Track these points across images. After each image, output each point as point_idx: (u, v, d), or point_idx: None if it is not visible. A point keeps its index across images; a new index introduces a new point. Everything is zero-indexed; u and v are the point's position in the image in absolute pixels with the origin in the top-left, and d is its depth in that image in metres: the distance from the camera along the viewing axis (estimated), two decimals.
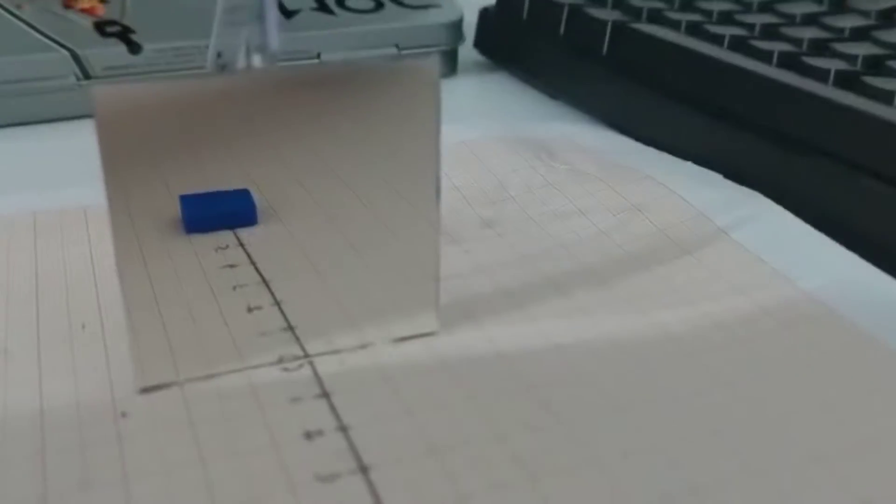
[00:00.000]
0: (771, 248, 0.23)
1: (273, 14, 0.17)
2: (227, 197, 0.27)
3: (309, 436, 0.17)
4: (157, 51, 0.36)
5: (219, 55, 0.20)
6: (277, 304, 0.22)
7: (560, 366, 0.19)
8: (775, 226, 0.24)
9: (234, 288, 0.22)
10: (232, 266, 0.24)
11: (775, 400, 0.18)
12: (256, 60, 0.17)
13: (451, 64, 0.41)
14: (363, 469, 0.16)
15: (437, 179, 0.19)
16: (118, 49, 0.35)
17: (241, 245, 0.25)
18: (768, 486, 0.15)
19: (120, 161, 0.18)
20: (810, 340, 0.19)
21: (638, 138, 0.32)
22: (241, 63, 0.18)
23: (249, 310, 0.21)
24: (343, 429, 0.17)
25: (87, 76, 0.35)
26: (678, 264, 0.23)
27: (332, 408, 0.18)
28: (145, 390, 0.18)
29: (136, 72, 0.36)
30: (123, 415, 0.17)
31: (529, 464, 0.16)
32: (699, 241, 0.24)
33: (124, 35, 0.36)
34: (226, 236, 0.25)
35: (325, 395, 0.18)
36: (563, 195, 0.27)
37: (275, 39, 0.17)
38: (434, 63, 0.18)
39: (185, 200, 0.26)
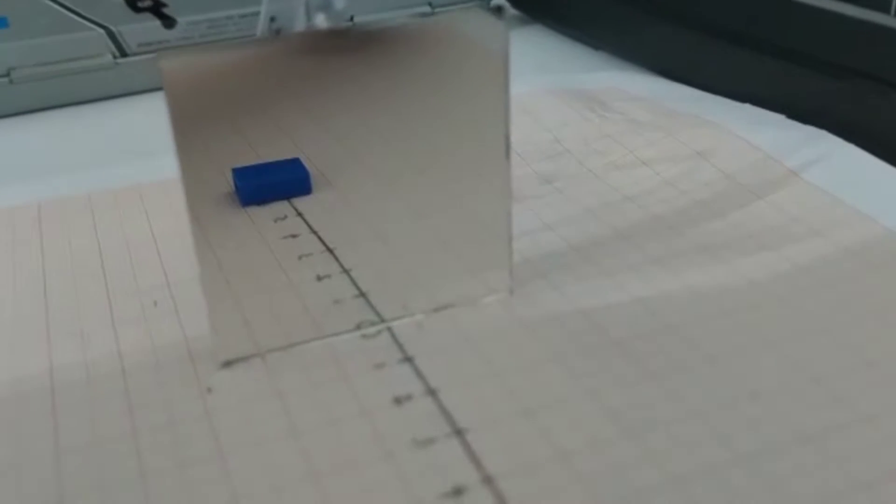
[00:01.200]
0: (846, 187, 0.22)
1: None
2: (280, 167, 0.26)
3: (398, 401, 0.17)
4: (191, 23, 0.35)
5: (272, 19, 0.20)
6: (346, 272, 0.21)
7: (643, 319, 0.18)
8: (847, 164, 0.23)
9: (300, 258, 0.22)
10: (294, 236, 0.23)
11: (871, 343, 0.17)
12: (320, 20, 0.17)
13: None
14: (458, 432, 0.16)
15: (507, 137, 0.19)
16: (152, 24, 0.35)
17: (300, 215, 0.25)
18: (876, 432, 0.15)
19: (189, 133, 0.18)
20: None
21: (690, 84, 0.31)
22: (299, 26, 0.18)
23: (319, 279, 0.21)
24: (432, 392, 0.17)
25: (123, 54, 0.35)
26: (751, 210, 0.22)
27: (418, 372, 0.17)
28: (227, 364, 0.18)
29: (172, 46, 0.35)
30: (209, 390, 0.17)
31: (625, 419, 0.16)
32: (770, 184, 0.23)
33: (157, 9, 0.35)
34: (282, 207, 0.25)
35: (408, 359, 0.18)
36: (621, 146, 0.26)
37: None
38: (503, 15, 0.17)
39: (239, 173, 0.26)
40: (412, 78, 0.21)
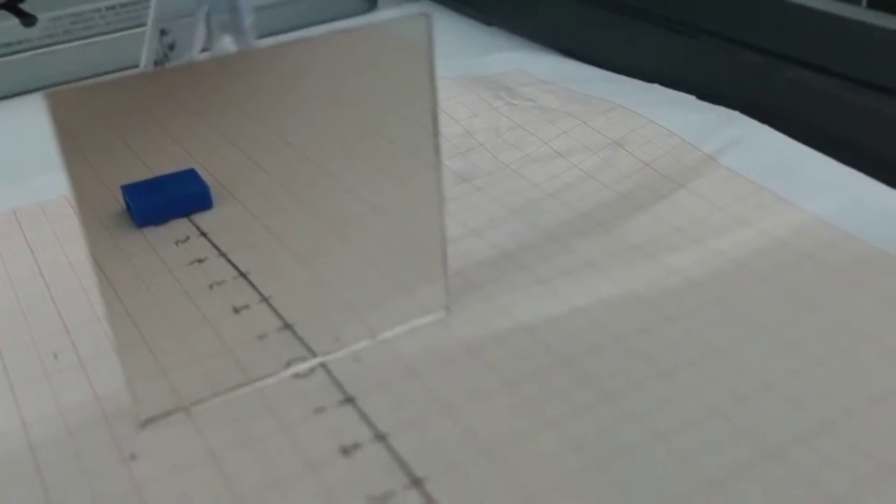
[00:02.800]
0: (765, 172, 0.22)
1: None
2: (174, 180, 0.24)
3: (346, 451, 0.15)
4: (53, 19, 0.32)
5: (163, 32, 0.18)
6: (265, 300, 0.20)
7: (587, 331, 0.18)
8: (763, 146, 0.23)
9: (212, 287, 0.20)
10: (200, 261, 0.22)
11: (816, 340, 0.17)
12: (227, 42, 0.15)
13: None
14: (417, 482, 0.15)
15: (437, 143, 0.18)
16: (10, 23, 0.31)
17: (203, 234, 0.23)
18: (838, 435, 0.15)
19: (78, 162, 0.16)
20: (836, 269, 0.19)
21: (593, 63, 0.31)
22: (198, 45, 0.16)
23: (236, 310, 0.20)
24: (381, 438, 0.16)
25: None
26: (674, 200, 0.22)
27: (362, 414, 0.16)
28: (148, 422, 0.16)
29: (35, 45, 0.32)
30: (133, 457, 0.16)
31: (591, 450, 0.15)
32: (690, 171, 0.23)
33: (13, 5, 0.32)
34: (182, 225, 0.23)
35: (350, 399, 0.17)
36: (534, 136, 0.26)
37: (249, 12, 0.15)
38: (425, 20, 0.16)
39: (129, 190, 0.23)
40: (324, 83, 0.19)
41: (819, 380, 0.16)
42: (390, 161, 0.19)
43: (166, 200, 0.23)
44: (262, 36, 0.18)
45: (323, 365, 0.18)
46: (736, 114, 0.25)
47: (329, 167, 0.22)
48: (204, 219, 0.23)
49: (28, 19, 0.32)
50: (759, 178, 0.22)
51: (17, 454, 0.16)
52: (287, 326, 0.19)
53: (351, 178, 0.20)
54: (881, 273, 0.19)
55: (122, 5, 0.33)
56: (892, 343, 0.17)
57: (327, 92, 0.19)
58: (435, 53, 0.17)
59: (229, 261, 0.21)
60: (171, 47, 0.17)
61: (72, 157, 0.15)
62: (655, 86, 0.28)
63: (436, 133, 0.17)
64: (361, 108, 0.19)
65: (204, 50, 0.17)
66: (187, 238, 0.23)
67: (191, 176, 0.24)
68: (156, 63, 0.18)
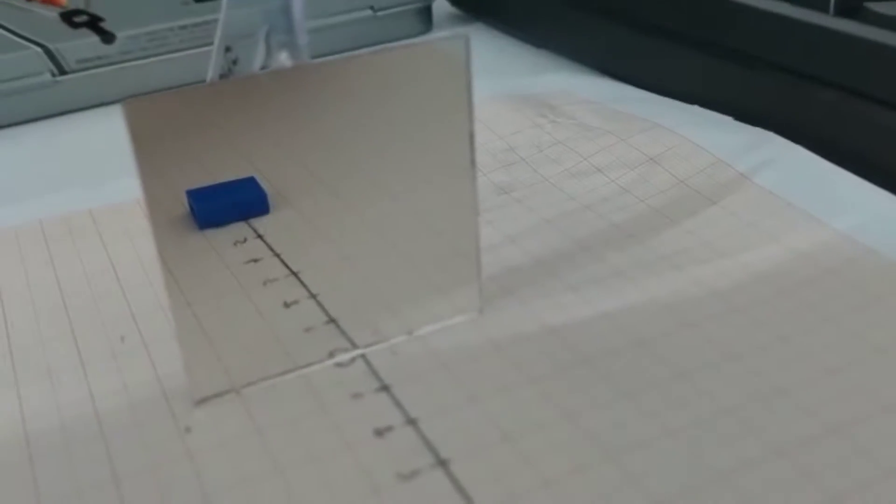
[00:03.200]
0: (796, 190, 0.23)
1: (300, 3, 0.16)
2: (235, 186, 0.26)
3: (379, 433, 0.17)
4: (130, 37, 0.35)
5: (227, 49, 0.19)
6: (313, 297, 0.21)
7: (611, 334, 0.19)
8: (796, 166, 0.24)
9: (265, 283, 0.22)
10: (255, 260, 0.23)
11: (830, 351, 0.18)
12: (283, 58, 0.17)
13: (425, 20, 0.40)
14: (442, 463, 0.16)
15: (472, 153, 0.19)
16: (90, 40, 0.34)
17: (260, 237, 0.24)
18: (844, 442, 0.16)
19: (151, 167, 0.18)
20: (856, 283, 0.20)
21: (638, 85, 0.32)
22: (258, 61, 0.18)
23: (286, 305, 0.21)
24: (412, 422, 0.17)
25: (62, 71, 0.34)
26: (706, 215, 0.23)
27: (396, 401, 0.17)
28: (202, 401, 0.18)
29: (112, 62, 0.34)
30: (188, 430, 0.17)
31: (605, 442, 0.16)
32: (723, 189, 0.24)
33: (94, 24, 0.35)
34: (241, 228, 0.25)
35: (385, 387, 0.18)
36: (574, 153, 0.27)
37: (303, 32, 0.16)
38: (463, 41, 0.17)
39: (193, 195, 0.25)
40: (369, 95, 0.21)
41: (832, 387, 0.17)
42: (431, 171, 0.21)
43: (227, 205, 0.25)
44: (326, 54, 0.19)
45: (363, 356, 0.19)
46: (771, 135, 0.26)
47: (375, 176, 0.23)
48: (261, 223, 0.25)
49: (107, 37, 0.34)
50: (790, 196, 0.23)
51: (83, 422, 0.17)
52: (332, 321, 0.20)
53: (395, 186, 0.22)
54: None
55: (194, 25, 0.36)
56: None
57: (374, 106, 0.20)
58: (472, 71, 0.18)
59: (282, 261, 0.23)
60: (235, 63, 0.19)
61: (144, 161, 0.17)
62: (695, 107, 0.29)
63: (472, 145, 0.19)
64: (405, 122, 0.21)
65: (263, 67, 0.19)
66: (245, 239, 0.24)
67: (251, 183, 0.26)
68: (221, 77, 0.19)
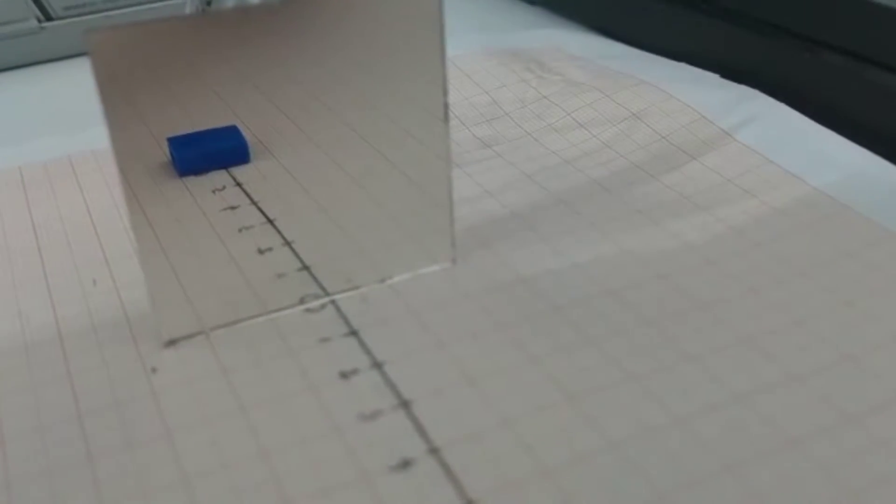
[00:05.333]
0: (777, 148, 0.23)
1: None
2: (216, 135, 0.26)
3: (345, 375, 0.17)
4: None
5: None
6: (288, 244, 0.21)
7: (582, 284, 0.19)
8: (779, 124, 0.24)
9: (241, 230, 0.22)
10: (233, 208, 0.23)
11: (798, 302, 0.18)
12: None
13: None
14: (404, 404, 0.16)
15: (446, 104, 0.19)
16: None
17: (239, 185, 0.24)
18: (810, 391, 0.16)
19: (118, 106, 0.18)
20: (828, 238, 0.20)
21: (628, 42, 0.31)
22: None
23: (261, 252, 0.21)
24: (377, 365, 0.17)
25: (48, 17, 0.33)
26: (685, 171, 0.23)
27: (363, 345, 0.17)
28: (171, 343, 0.18)
29: (99, 9, 0.34)
30: (154, 370, 0.17)
31: (567, 385, 0.16)
32: (704, 145, 0.24)
33: None
34: (220, 177, 0.25)
35: (353, 332, 0.18)
36: (558, 108, 0.27)
37: None
38: None
39: (174, 142, 0.25)
40: (348, 44, 0.21)
41: (797, 337, 0.17)
42: (406, 121, 0.20)
43: (208, 153, 0.25)
44: None
45: (333, 302, 0.19)
46: (755, 92, 0.25)
47: (353, 125, 0.23)
48: (241, 171, 0.25)
49: None
50: (770, 153, 0.23)
51: (51, 360, 0.17)
52: (305, 268, 0.20)
53: (372, 135, 0.22)
54: (871, 243, 0.19)
55: None
56: (872, 307, 0.17)
57: (352, 55, 0.20)
58: (445, 20, 0.18)
59: (259, 209, 0.23)
60: (209, 3, 0.18)
61: (111, 98, 0.17)
62: (682, 64, 0.28)
63: (444, 96, 0.19)
64: (382, 72, 0.20)
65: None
66: (223, 187, 0.24)
67: (233, 132, 0.26)
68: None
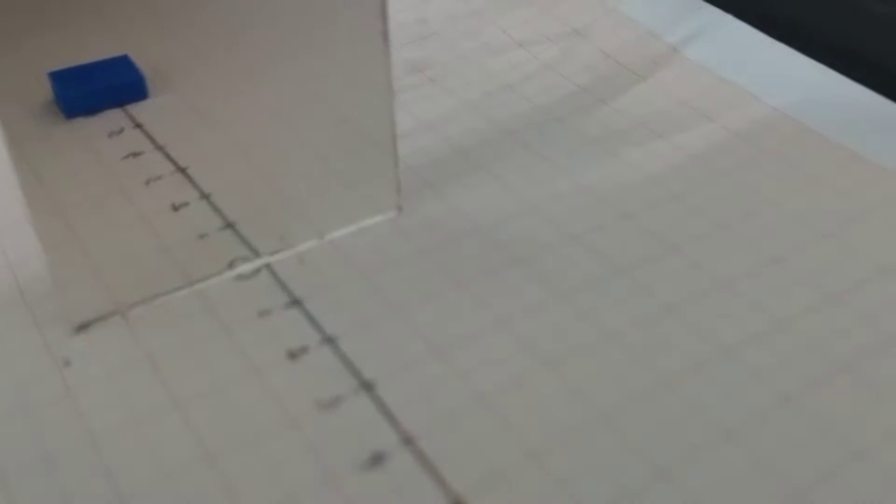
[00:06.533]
0: (729, 64, 0.22)
1: None
2: (106, 67, 0.23)
3: (293, 355, 0.15)
4: None
5: None
6: (206, 196, 0.19)
7: (541, 229, 0.17)
8: (728, 38, 0.22)
9: (148, 182, 0.19)
10: (136, 154, 0.20)
11: (769, 237, 0.17)
12: None
13: None
14: (366, 386, 0.14)
15: (385, 24, 0.16)
16: None
17: (139, 126, 0.21)
18: (791, 334, 0.15)
19: (4, 53, 0.14)
20: (795, 164, 0.18)
21: None
22: None
23: (175, 208, 0.19)
24: (330, 341, 0.15)
25: None
26: (635, 93, 0.21)
27: (310, 317, 0.15)
28: (83, 327, 0.16)
29: None
30: (67, 363, 0.15)
31: (543, 350, 0.15)
32: (652, 63, 0.22)
33: None
34: (116, 116, 0.22)
35: (296, 302, 0.16)
36: (494, 24, 0.24)
37: None
38: None
39: (57, 77, 0.22)
40: None
41: (776, 279, 0.16)
42: (336, 48, 0.18)
43: (98, 89, 0.22)
44: None
45: (268, 266, 0.17)
46: (700, 2, 0.24)
47: (271, 52, 0.20)
48: (139, 109, 0.22)
49: None
50: (722, 71, 0.21)
51: None
52: (229, 225, 0.18)
53: (294, 66, 0.19)
54: (838, 167, 0.18)
55: None
56: (852, 239, 0.17)
57: None
58: None
59: (167, 155, 0.20)
60: None
61: None
62: None
63: (384, 15, 0.16)
64: None
65: None
66: (121, 130, 0.21)
67: (124, 63, 0.22)
68: None
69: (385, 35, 0.16)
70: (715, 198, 0.18)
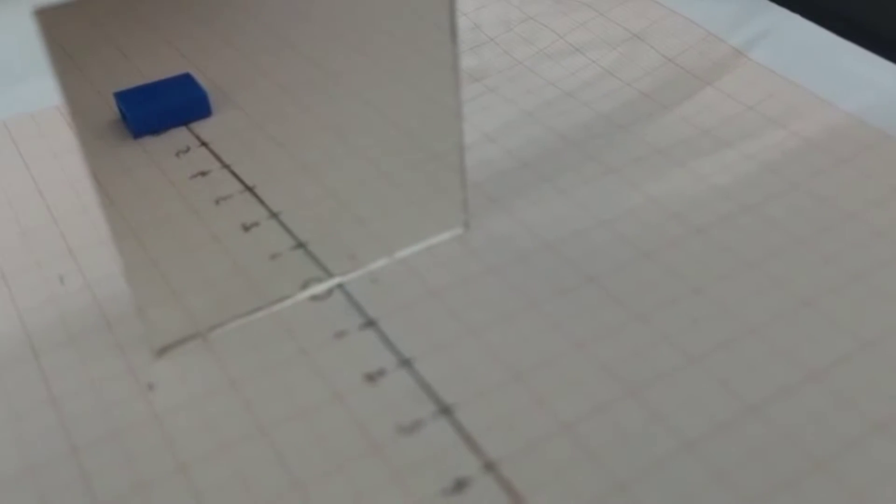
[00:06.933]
0: (797, 67, 0.21)
1: None
2: (170, 85, 0.23)
3: (371, 378, 0.15)
4: None
5: None
6: (275, 216, 0.19)
7: (613, 246, 0.17)
8: (795, 39, 0.22)
9: (217, 202, 0.20)
10: (203, 174, 0.21)
11: (852, 254, 0.16)
12: None
13: None
14: (446, 410, 0.14)
15: (455, 41, 0.16)
16: None
17: (204, 144, 0.22)
18: (874, 357, 0.14)
19: (70, 70, 0.15)
20: (873, 173, 0.18)
21: None
22: None
23: (245, 228, 0.19)
24: (406, 363, 0.15)
25: None
26: (701, 99, 0.21)
27: (385, 338, 0.16)
28: (164, 350, 0.16)
29: None
30: (151, 387, 0.15)
31: (622, 375, 0.15)
32: (716, 67, 0.22)
33: None
34: (181, 135, 0.22)
35: (371, 322, 0.16)
36: (548, 30, 0.24)
37: None
38: None
39: (123, 97, 0.22)
40: None
41: (858, 298, 0.16)
42: (402, 62, 0.18)
43: (163, 107, 0.22)
44: None
45: (340, 286, 0.17)
46: (764, 2, 0.23)
47: (334, 68, 0.21)
48: (203, 127, 0.22)
49: None
50: (790, 74, 0.21)
51: (30, 382, 0.15)
52: (300, 245, 0.18)
53: (359, 80, 0.19)
54: None
55: None
56: None
57: None
58: None
59: (233, 173, 0.20)
60: None
61: (63, 65, 0.14)
62: None
63: (453, 30, 0.16)
64: (369, 3, 0.18)
65: None
66: (188, 149, 0.22)
67: (187, 81, 0.23)
68: None
69: (454, 49, 0.16)
70: (790, 210, 0.17)
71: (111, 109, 0.23)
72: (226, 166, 0.21)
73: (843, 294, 0.16)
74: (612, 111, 0.21)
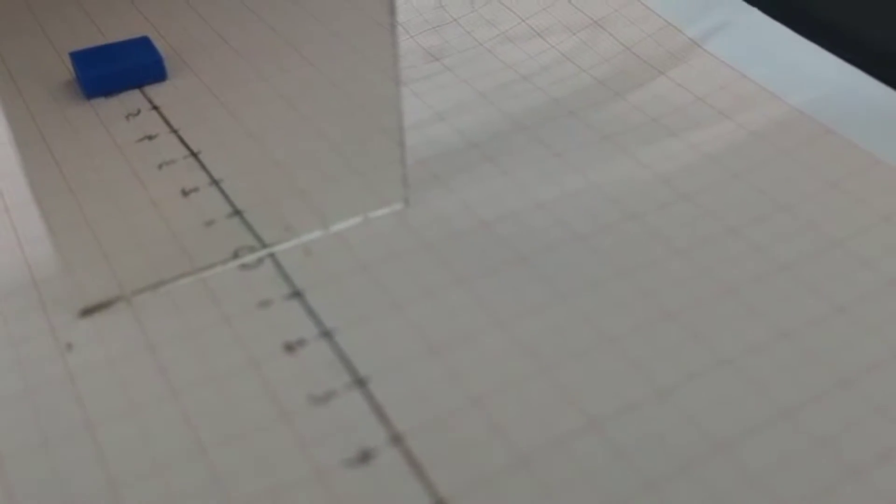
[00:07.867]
0: (751, 60, 0.21)
1: None
2: (126, 48, 0.23)
3: (290, 348, 0.15)
4: None
5: None
6: (216, 182, 0.19)
7: (548, 228, 0.17)
8: (751, 32, 0.22)
9: (161, 167, 0.20)
10: (150, 137, 0.21)
11: (781, 244, 0.16)
12: None
13: None
14: (360, 382, 0.14)
15: (393, 14, 0.16)
16: None
17: (155, 108, 0.22)
18: (794, 353, 0.15)
19: (31, 33, 0.14)
20: (811, 167, 0.18)
21: None
22: None
23: (185, 193, 0.19)
24: (327, 335, 0.15)
25: None
26: (653, 88, 0.21)
27: (309, 310, 0.16)
28: (88, 312, 0.16)
29: None
30: (70, 346, 0.15)
31: (540, 353, 0.15)
32: (672, 57, 0.22)
33: None
34: (133, 98, 0.22)
35: (297, 293, 0.16)
36: (512, 13, 0.24)
37: None
38: None
39: (79, 57, 0.22)
40: None
41: (782, 287, 0.16)
42: (354, 35, 0.18)
43: (116, 70, 0.22)
44: None
45: (272, 255, 0.17)
46: None
47: (293, 37, 0.21)
48: (157, 91, 0.22)
49: None
50: (743, 67, 0.21)
51: None
52: (236, 212, 0.18)
53: (313, 50, 0.19)
54: (858, 173, 0.18)
55: None
56: (863, 249, 0.16)
57: None
58: None
59: (181, 138, 0.20)
60: None
61: (23, 23, 0.14)
62: None
63: (392, 6, 0.16)
64: None
65: None
66: (138, 112, 0.21)
67: (144, 44, 0.23)
68: None
69: (393, 26, 0.16)
70: (725, 200, 0.17)
71: (68, 69, 0.23)
72: (174, 131, 0.21)
73: (767, 283, 0.16)
74: (564, 97, 0.21)
